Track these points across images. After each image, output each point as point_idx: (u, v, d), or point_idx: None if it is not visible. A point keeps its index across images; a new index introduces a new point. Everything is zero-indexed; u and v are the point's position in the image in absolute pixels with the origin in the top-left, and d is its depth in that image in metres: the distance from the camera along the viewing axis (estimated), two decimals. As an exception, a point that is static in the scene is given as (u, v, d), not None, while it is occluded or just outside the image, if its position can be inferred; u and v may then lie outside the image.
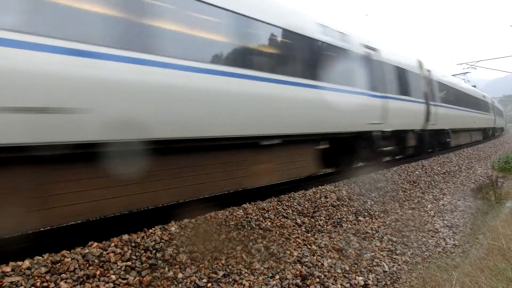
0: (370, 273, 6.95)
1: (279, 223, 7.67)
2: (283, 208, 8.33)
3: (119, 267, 5.03)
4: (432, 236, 9.47)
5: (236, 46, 7.65)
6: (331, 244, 7.64)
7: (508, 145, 34.30)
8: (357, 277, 6.68)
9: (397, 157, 16.64)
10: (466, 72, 39.20)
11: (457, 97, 23.87)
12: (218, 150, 7.60)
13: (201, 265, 5.69)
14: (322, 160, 10.90)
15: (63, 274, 4.58)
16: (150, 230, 5.98)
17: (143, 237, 5.72)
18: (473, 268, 6.48)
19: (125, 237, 5.61)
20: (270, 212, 7.91)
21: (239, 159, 8.24)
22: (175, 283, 5.21)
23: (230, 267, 5.94)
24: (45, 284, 4.39)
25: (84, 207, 5.60)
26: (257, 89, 7.71)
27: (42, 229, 6.53)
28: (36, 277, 4.41)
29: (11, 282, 4.23)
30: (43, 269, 4.52)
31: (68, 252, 4.95)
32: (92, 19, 5.39)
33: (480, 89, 36.52)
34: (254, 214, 7.56)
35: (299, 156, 9.91)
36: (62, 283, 4.47)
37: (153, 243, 5.66)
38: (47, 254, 4.82)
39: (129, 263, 5.15)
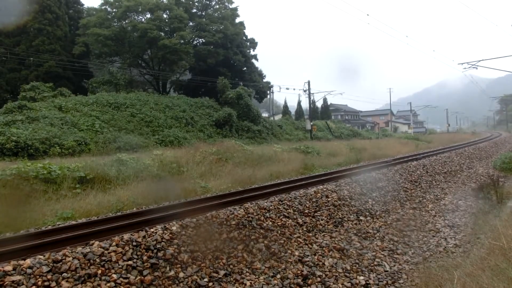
0: (371, 272, 6.94)
1: (280, 223, 7.66)
2: (284, 208, 8.32)
3: (120, 266, 5.03)
4: (433, 236, 9.44)
5: None
6: (332, 244, 7.64)
7: (510, 145, 34.19)
8: (358, 276, 6.68)
9: None
10: None
11: None
12: None
13: (202, 265, 5.69)
14: None
15: (64, 273, 4.58)
16: (152, 230, 5.99)
17: (144, 237, 5.73)
18: (474, 267, 6.45)
19: (126, 236, 5.61)
20: (271, 212, 7.91)
21: None
22: (176, 282, 5.22)
23: (231, 266, 5.94)
24: (46, 283, 4.39)
25: None
26: None
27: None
28: (38, 276, 4.42)
29: (13, 281, 4.24)
30: (45, 268, 4.53)
31: (70, 251, 4.96)
32: None
33: (482, 89, 35.60)
34: (255, 214, 7.56)
35: None
36: (63, 282, 4.48)
37: (154, 242, 5.66)
38: (49, 253, 4.83)
39: (130, 262, 5.16)
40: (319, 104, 59.78)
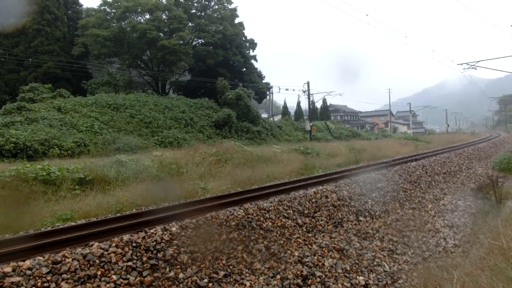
0: (371, 272, 6.95)
1: (280, 223, 7.66)
2: (284, 208, 8.32)
3: (120, 267, 5.03)
4: (433, 236, 9.46)
5: None
6: (332, 244, 7.64)
7: (509, 145, 34.25)
8: (358, 276, 6.69)
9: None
10: None
11: None
12: None
13: (202, 265, 5.69)
14: None
15: (64, 275, 4.58)
16: (151, 231, 5.99)
17: (144, 238, 5.73)
18: (474, 267, 6.46)
19: (126, 237, 5.61)
20: (271, 213, 7.91)
21: None
22: (176, 283, 5.22)
23: (231, 267, 5.94)
24: (46, 284, 4.39)
25: None
26: None
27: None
28: (37, 278, 4.41)
29: (12, 283, 4.23)
30: (44, 270, 4.52)
31: (69, 252, 4.96)
32: None
33: (481, 90, 35.74)
34: (255, 214, 7.56)
35: None
36: (63, 283, 4.47)
37: (154, 243, 5.66)
38: (48, 254, 4.83)
39: (130, 263, 5.15)
40: (318, 104, 59.89)
